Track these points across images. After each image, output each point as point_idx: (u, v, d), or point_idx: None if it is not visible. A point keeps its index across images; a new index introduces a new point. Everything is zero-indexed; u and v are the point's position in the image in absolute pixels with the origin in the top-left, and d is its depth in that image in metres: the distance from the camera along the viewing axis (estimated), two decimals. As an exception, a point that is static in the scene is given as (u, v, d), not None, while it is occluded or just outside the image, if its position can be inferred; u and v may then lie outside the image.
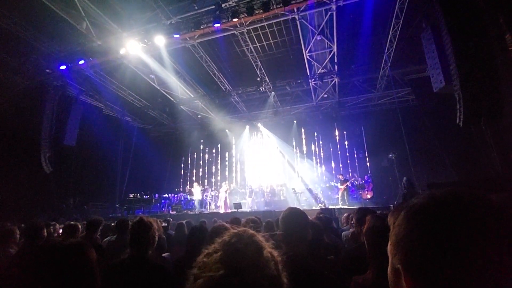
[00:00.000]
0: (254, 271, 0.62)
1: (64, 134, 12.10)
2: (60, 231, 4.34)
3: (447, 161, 10.39)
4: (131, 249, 1.78)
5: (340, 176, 11.42)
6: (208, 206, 13.04)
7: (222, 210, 11.63)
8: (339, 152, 14.59)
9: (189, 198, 12.95)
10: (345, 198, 10.67)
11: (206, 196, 13.36)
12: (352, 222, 3.60)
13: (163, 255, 3.30)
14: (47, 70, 11.16)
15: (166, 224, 5.22)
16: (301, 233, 1.38)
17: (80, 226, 3.21)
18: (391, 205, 9.18)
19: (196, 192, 12.62)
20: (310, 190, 11.95)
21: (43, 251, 1.00)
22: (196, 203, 12.39)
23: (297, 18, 9.21)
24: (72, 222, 3.31)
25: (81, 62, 10.53)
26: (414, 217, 0.50)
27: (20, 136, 11.29)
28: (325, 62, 11.32)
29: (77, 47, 10.32)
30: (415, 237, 0.48)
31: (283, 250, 1.35)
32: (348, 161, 14.21)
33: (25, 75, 11.33)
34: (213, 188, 14.66)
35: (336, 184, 11.49)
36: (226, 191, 12.38)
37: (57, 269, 0.94)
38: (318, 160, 15.14)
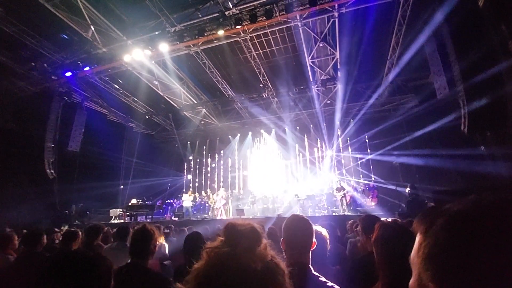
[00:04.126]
0: (248, 243, 0.67)
1: (68, 139, 12.19)
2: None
3: (452, 167, 10.24)
4: (131, 256, 1.74)
5: (337, 184, 11.29)
6: (210, 212, 12.95)
7: (219, 216, 11.54)
8: (342, 159, 14.48)
9: (184, 206, 12.85)
10: (344, 205, 10.51)
11: (209, 202, 13.28)
12: (357, 229, 3.52)
13: (164, 262, 3.24)
14: (53, 77, 11.31)
15: (168, 230, 5.16)
16: (305, 241, 1.33)
17: (80, 233, 3.17)
18: (396, 212, 9.03)
19: (186, 200, 12.58)
20: (313, 197, 11.81)
21: (55, 260, 0.97)
22: (189, 210, 12.35)
23: (299, 25, 9.29)
24: (72, 229, 3.28)
25: (86, 68, 10.67)
26: (458, 229, 0.41)
27: (24, 141, 11.38)
28: (328, 68, 11.36)
29: (82, 54, 10.48)
30: (458, 254, 0.40)
31: (286, 260, 1.29)
32: (352, 168, 14.08)
33: (31, 81, 11.50)
34: (216, 194, 14.55)
35: (335, 193, 11.31)
36: (223, 197, 12.28)
37: (65, 281, 0.91)
38: (321, 166, 15.03)
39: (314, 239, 1.39)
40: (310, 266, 1.30)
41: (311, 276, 1.26)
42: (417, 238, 0.49)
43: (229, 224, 0.73)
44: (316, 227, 2.52)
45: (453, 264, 0.40)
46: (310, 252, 1.35)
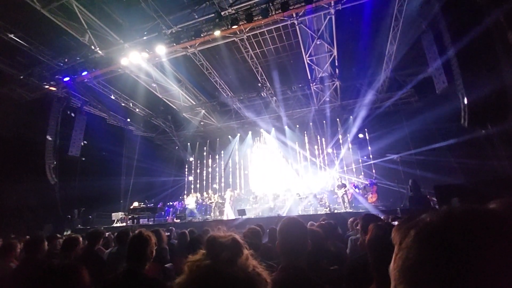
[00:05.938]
0: (229, 255, 0.67)
1: (69, 144, 12.22)
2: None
3: (453, 162, 10.21)
4: (127, 262, 1.75)
5: (338, 181, 11.27)
6: (212, 213, 12.96)
7: (225, 217, 11.56)
8: (342, 156, 14.45)
9: (188, 208, 12.96)
10: (346, 202, 10.48)
11: (211, 203, 13.29)
12: (357, 227, 3.52)
13: (165, 265, 3.25)
14: (51, 82, 11.32)
15: (168, 233, 5.16)
16: (299, 244, 1.32)
17: (80, 239, 3.18)
18: (398, 208, 9.01)
19: (190, 201, 12.62)
20: (314, 195, 11.80)
21: (39, 273, 1.00)
22: (193, 212, 12.47)
23: (296, 23, 9.26)
24: (73, 235, 3.28)
25: (84, 73, 10.68)
26: (427, 242, 0.42)
27: (25, 148, 11.41)
28: (326, 65, 11.32)
29: (80, 59, 10.48)
30: (429, 267, 0.39)
31: (281, 263, 1.30)
32: (353, 164, 14.06)
33: (30, 88, 11.52)
34: (218, 194, 14.56)
35: (336, 190, 11.29)
36: (230, 198, 12.34)
37: None
38: (322, 164, 15.01)
39: (309, 241, 1.38)
40: (306, 268, 1.30)
41: (307, 279, 1.26)
42: (395, 249, 0.49)
43: (210, 237, 0.73)
44: (312, 227, 2.52)
45: (424, 279, 0.40)
46: (306, 254, 1.35)
